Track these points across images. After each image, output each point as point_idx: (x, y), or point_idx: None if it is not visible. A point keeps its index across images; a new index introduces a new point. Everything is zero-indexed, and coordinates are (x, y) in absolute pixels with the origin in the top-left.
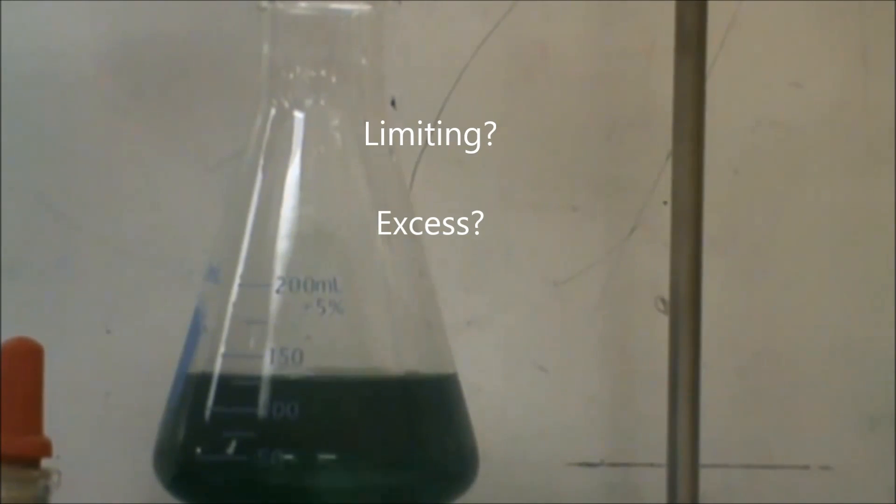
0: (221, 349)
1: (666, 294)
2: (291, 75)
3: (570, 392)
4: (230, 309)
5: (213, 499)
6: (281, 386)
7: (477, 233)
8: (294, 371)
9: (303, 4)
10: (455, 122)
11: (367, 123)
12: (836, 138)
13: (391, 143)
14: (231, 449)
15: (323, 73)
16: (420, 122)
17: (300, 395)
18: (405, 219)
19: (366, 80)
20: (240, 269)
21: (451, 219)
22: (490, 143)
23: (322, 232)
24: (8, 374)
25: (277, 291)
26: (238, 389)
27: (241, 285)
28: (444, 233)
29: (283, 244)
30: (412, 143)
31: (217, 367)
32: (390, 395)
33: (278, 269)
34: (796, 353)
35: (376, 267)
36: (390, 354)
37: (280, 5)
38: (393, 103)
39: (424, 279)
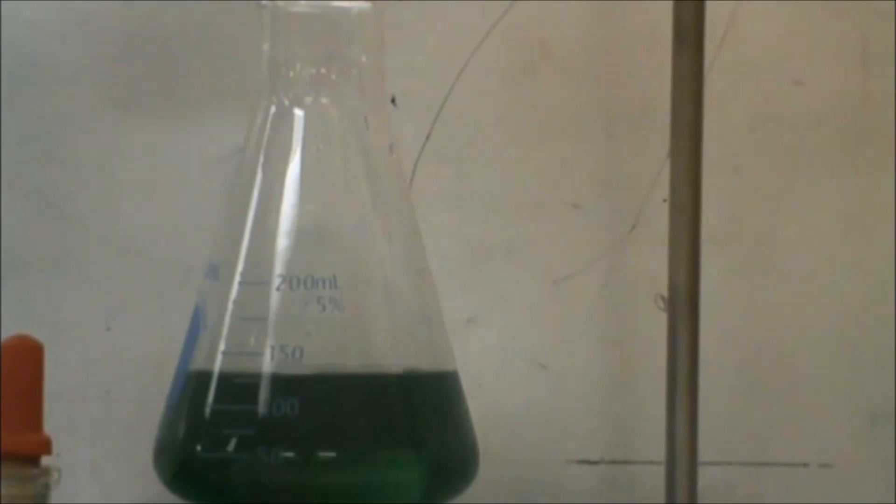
0: (221, 346)
1: (665, 291)
2: (291, 73)
3: (569, 389)
4: (230, 306)
5: (213, 496)
6: (281, 383)
7: (476, 230)
8: (294, 368)
9: (303, 2)
10: (455, 120)
11: (367, 121)
12: (835, 135)
13: (391, 141)
14: (231, 446)
15: (323, 70)
16: (420, 120)
17: (300, 392)
18: (405, 216)
19: (366, 78)
20: (240, 267)
21: (451, 216)
22: (490, 141)
23: (322, 229)
24: (8, 372)
25: (277, 289)
26: (238, 387)
27: (241, 283)
28: (444, 230)
29: (283, 242)
30: (412, 141)
31: (217, 365)
32: (390, 392)
33: (278, 266)
34: (795, 350)
35: (376, 264)
36: (390, 352)
37: (280, 3)
38: (393, 101)
39: (424, 276)
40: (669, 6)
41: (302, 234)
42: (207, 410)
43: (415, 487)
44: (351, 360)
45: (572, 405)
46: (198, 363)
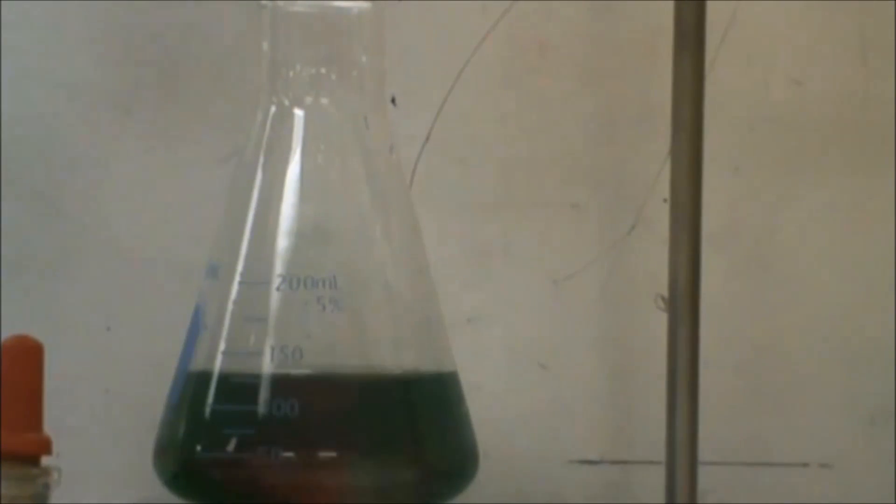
0: (221, 347)
1: (666, 291)
2: (291, 73)
3: (569, 389)
4: (230, 306)
5: (213, 496)
6: (281, 383)
7: (476, 230)
8: (294, 369)
9: (303, 2)
10: (455, 120)
11: (367, 121)
12: (835, 136)
13: (391, 141)
14: (231, 446)
15: (323, 70)
16: (420, 120)
17: (300, 392)
18: (405, 216)
19: (366, 78)
20: (240, 267)
21: (451, 216)
22: (490, 141)
23: (322, 230)
24: (8, 372)
25: (277, 289)
26: (238, 387)
27: (241, 283)
28: (444, 230)
29: (283, 242)
30: (412, 141)
31: (217, 365)
32: (390, 393)
33: (278, 266)
34: (795, 350)
35: (376, 265)
36: (390, 352)
37: (280, 3)
38: (393, 101)
39: (424, 277)
40: (670, 6)
41: (302, 234)
42: (207, 410)
43: (414, 488)
44: (351, 361)
45: (572, 405)
46: (198, 363)
